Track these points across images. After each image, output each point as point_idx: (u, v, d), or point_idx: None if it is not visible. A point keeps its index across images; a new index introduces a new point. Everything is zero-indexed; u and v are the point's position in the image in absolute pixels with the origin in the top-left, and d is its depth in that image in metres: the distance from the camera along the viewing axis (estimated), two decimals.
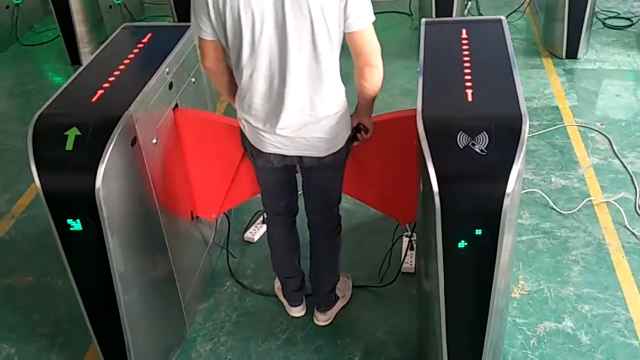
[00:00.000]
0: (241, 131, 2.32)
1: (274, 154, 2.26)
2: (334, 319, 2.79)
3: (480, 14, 5.65)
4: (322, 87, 2.11)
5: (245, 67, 2.09)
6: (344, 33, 2.06)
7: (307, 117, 2.15)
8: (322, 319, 2.77)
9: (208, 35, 2.12)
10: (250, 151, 2.32)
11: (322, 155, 2.25)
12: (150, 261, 2.45)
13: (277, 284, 2.89)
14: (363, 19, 2.03)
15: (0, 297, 3.08)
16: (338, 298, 2.81)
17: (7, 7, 5.84)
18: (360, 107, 2.31)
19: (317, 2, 1.95)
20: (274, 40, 2.01)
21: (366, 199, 2.84)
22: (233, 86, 2.27)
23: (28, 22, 6.11)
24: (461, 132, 1.91)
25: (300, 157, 2.27)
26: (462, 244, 1.97)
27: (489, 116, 1.97)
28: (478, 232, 1.94)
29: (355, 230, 3.29)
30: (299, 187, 2.57)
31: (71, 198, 2.09)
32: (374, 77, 2.15)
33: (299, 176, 2.53)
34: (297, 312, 2.81)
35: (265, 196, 2.57)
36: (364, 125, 2.37)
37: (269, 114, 2.16)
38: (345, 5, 1.99)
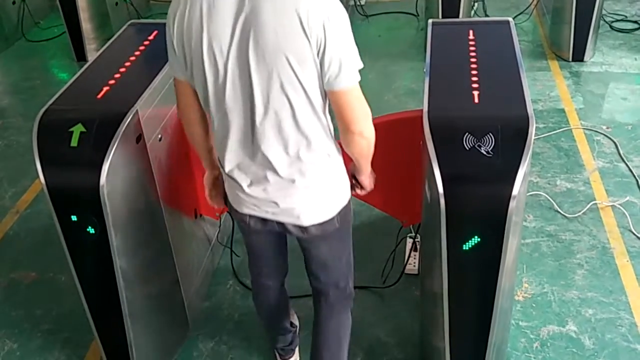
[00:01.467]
0: (213, 188, 2.09)
1: (250, 216, 1.93)
2: None
3: (487, 15, 5.64)
4: (300, 147, 1.76)
5: (214, 117, 1.80)
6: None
7: (279, 180, 1.81)
8: None
9: (178, 74, 1.83)
10: (230, 206, 2.01)
11: (304, 224, 1.89)
12: (153, 258, 2.44)
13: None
14: (344, 78, 1.67)
15: (3, 292, 3.08)
16: None
17: (14, 2, 5.84)
18: (353, 164, 1.97)
19: (283, 59, 1.62)
20: (239, 91, 1.71)
21: (370, 199, 2.83)
22: (208, 142, 1.98)
23: (34, 18, 6.11)
24: (467, 133, 1.90)
25: (280, 222, 1.92)
26: (466, 246, 1.96)
27: (495, 118, 1.97)
28: (483, 234, 1.93)
29: (359, 230, 3.28)
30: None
31: (75, 194, 2.09)
32: (357, 144, 1.80)
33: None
34: None
35: (249, 257, 2.22)
36: (359, 181, 2.05)
37: (241, 170, 1.84)
38: (322, 58, 1.64)
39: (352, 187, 2.04)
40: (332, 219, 1.91)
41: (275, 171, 1.80)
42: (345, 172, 1.93)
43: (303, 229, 1.91)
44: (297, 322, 2.60)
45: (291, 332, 2.48)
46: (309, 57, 1.63)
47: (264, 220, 1.94)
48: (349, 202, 1.97)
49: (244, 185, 1.86)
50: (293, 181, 1.81)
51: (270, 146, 1.76)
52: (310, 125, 1.75)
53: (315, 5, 1.60)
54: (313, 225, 1.90)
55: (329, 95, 1.73)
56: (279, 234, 2.04)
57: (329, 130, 1.82)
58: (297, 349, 2.57)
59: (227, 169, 1.87)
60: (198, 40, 1.67)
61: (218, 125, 1.81)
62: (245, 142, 1.79)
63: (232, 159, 1.84)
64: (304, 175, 1.81)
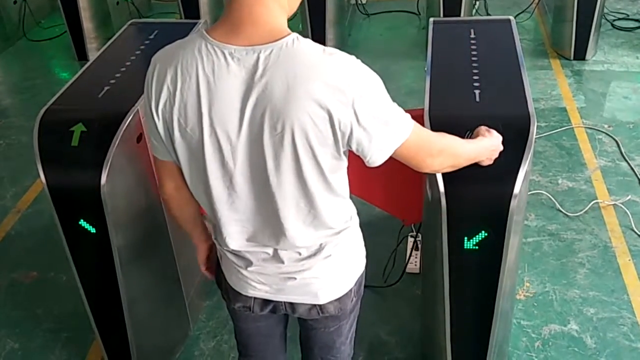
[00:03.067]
0: (217, 262, 1.78)
1: (255, 298, 1.68)
2: None
3: (488, 14, 5.64)
4: (319, 224, 1.55)
5: (215, 209, 1.54)
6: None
7: (296, 256, 1.59)
8: None
9: (162, 156, 1.56)
10: (225, 289, 1.74)
11: (322, 301, 1.65)
12: (154, 258, 2.44)
13: None
14: (383, 152, 1.44)
15: (5, 292, 3.09)
16: None
17: (15, 2, 5.85)
18: None
19: (305, 142, 1.38)
20: (253, 180, 1.47)
21: (371, 198, 2.83)
22: (200, 217, 1.76)
23: (35, 18, 6.12)
24: (468, 132, 1.89)
25: (291, 303, 1.68)
26: (468, 245, 1.96)
27: (496, 117, 1.96)
28: (484, 233, 1.93)
29: (360, 229, 3.28)
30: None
31: (76, 194, 2.09)
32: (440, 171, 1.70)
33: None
34: None
35: (240, 347, 1.96)
36: None
37: (249, 253, 1.61)
38: (350, 140, 1.39)
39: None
40: (350, 292, 1.69)
41: (291, 251, 1.58)
42: (361, 238, 1.75)
43: (319, 308, 1.67)
44: None
45: None
46: (331, 142, 1.39)
47: (269, 303, 1.69)
48: (364, 271, 1.76)
49: (252, 262, 1.62)
50: (311, 255, 1.60)
51: (285, 230, 1.52)
52: (326, 205, 1.52)
53: (342, 85, 1.33)
54: (331, 302, 1.67)
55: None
56: (284, 320, 1.85)
57: (347, 198, 1.61)
58: None
59: (231, 251, 1.63)
60: (196, 127, 1.40)
61: (218, 214, 1.54)
62: (256, 228, 1.56)
63: (238, 244, 1.59)
64: (322, 248, 1.60)
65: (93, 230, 2.13)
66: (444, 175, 1.87)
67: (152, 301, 2.46)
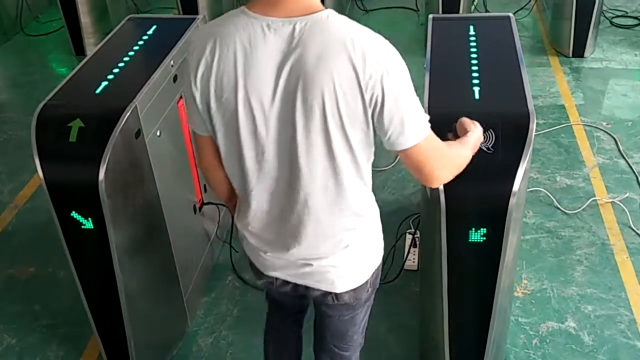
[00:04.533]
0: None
1: (276, 278, 1.75)
2: None
3: (487, 11, 5.63)
4: (341, 208, 1.58)
5: (245, 180, 1.58)
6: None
7: (315, 240, 1.62)
8: None
9: (200, 130, 1.61)
10: (251, 264, 1.82)
11: (338, 290, 1.70)
12: (153, 254, 2.44)
13: None
14: (408, 137, 1.46)
15: (2, 288, 3.08)
16: None
17: None
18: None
19: (335, 113, 1.41)
20: (281, 151, 1.50)
21: None
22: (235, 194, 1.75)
23: (33, 12, 6.09)
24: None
25: (308, 287, 1.72)
26: (466, 242, 1.95)
27: (496, 114, 1.96)
28: (483, 230, 1.93)
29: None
30: None
31: (74, 190, 2.09)
32: (433, 187, 1.65)
33: None
34: None
35: (268, 301, 2.10)
36: None
37: (272, 235, 1.66)
38: (380, 116, 1.43)
39: None
40: (366, 283, 1.73)
41: (312, 234, 1.60)
42: (381, 232, 1.77)
43: (334, 296, 1.71)
44: None
45: None
46: (360, 116, 1.43)
47: (289, 283, 1.74)
48: (381, 263, 1.79)
49: (272, 246, 1.67)
50: (330, 242, 1.62)
51: (309, 208, 1.55)
52: (353, 187, 1.56)
53: (372, 59, 1.37)
54: (346, 292, 1.71)
55: (400, 156, 1.53)
56: (301, 299, 1.91)
57: (370, 190, 1.66)
58: None
59: (252, 231, 1.68)
60: (231, 96, 1.45)
61: (247, 186, 1.59)
62: (280, 204, 1.59)
63: (260, 220, 1.65)
64: (343, 236, 1.62)
65: (91, 226, 2.12)
66: None
67: (150, 297, 2.46)
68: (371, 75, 1.37)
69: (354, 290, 1.71)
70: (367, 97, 1.39)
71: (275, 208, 1.61)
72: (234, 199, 1.76)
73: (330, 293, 1.70)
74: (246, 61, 1.42)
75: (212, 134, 1.57)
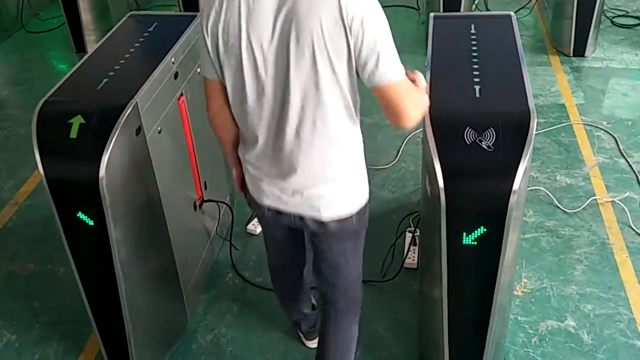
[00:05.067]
0: (243, 180, 2.05)
1: (268, 209, 1.94)
2: None
3: (488, 10, 5.62)
4: (330, 143, 1.79)
5: (247, 116, 1.80)
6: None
7: (305, 172, 1.82)
8: None
9: (211, 75, 1.82)
10: (250, 200, 2.02)
11: (323, 219, 1.88)
12: (153, 251, 2.44)
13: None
14: (384, 73, 1.66)
15: (2, 284, 3.08)
16: None
17: None
18: None
19: (323, 49, 1.63)
20: (277, 88, 1.72)
21: None
22: (237, 143, 1.98)
23: (33, 9, 6.09)
24: (468, 128, 1.89)
25: (302, 217, 1.91)
26: (466, 241, 1.96)
27: (496, 113, 1.96)
28: (483, 229, 1.93)
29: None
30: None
31: (74, 186, 2.09)
32: (406, 127, 1.78)
33: None
34: (314, 344, 2.51)
35: (267, 250, 2.27)
36: None
37: (269, 165, 1.87)
38: (360, 53, 1.64)
39: None
40: (351, 217, 1.91)
41: (302, 164, 1.81)
42: (366, 173, 1.94)
43: (322, 223, 1.90)
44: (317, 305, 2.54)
45: (313, 315, 2.51)
46: (345, 52, 1.64)
47: (282, 214, 1.93)
48: (367, 205, 1.96)
49: (269, 176, 1.88)
50: (319, 173, 1.83)
51: (302, 142, 1.77)
52: (341, 122, 1.76)
53: (356, 5, 1.61)
54: (332, 221, 1.89)
55: (373, 93, 1.71)
56: (296, 229, 2.03)
57: (358, 127, 1.85)
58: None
59: (252, 162, 1.90)
60: (236, 41, 1.68)
61: (249, 121, 1.81)
62: (276, 137, 1.80)
63: (259, 153, 1.86)
64: (330, 169, 1.83)
65: (91, 223, 2.13)
66: (444, 170, 1.87)
67: (150, 294, 2.46)
68: (353, 17, 1.60)
69: (339, 221, 1.90)
70: (350, 37, 1.62)
71: (272, 141, 1.82)
72: (235, 149, 1.99)
73: (317, 221, 1.89)
74: (249, 11, 1.65)
75: (221, 78, 1.80)
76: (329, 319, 2.19)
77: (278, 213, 1.94)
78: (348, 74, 1.68)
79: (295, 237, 2.15)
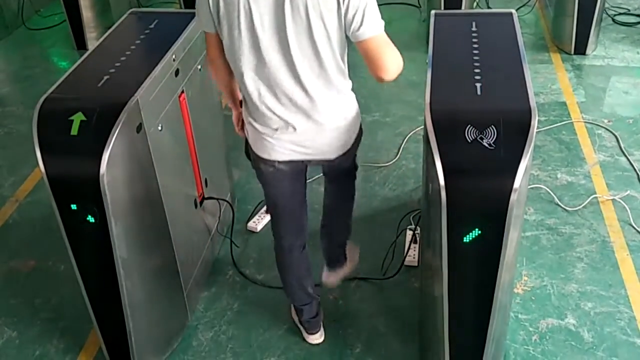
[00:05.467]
0: (245, 141, 2.23)
1: (278, 161, 2.15)
2: (338, 300, 2.79)
3: (489, 7, 5.62)
4: (329, 93, 2.03)
5: (249, 74, 1.99)
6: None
7: (314, 124, 2.07)
8: (331, 280, 2.76)
9: (209, 28, 2.03)
10: (254, 158, 2.21)
11: (331, 157, 2.19)
12: (153, 248, 2.44)
13: (294, 310, 2.70)
14: (368, 28, 1.90)
15: (3, 281, 3.08)
16: (346, 259, 2.76)
17: None
18: None
19: (316, 7, 1.85)
20: (275, 41, 1.91)
21: None
22: (233, 84, 2.20)
23: (34, 6, 6.08)
24: (469, 125, 1.89)
25: (310, 161, 2.20)
26: (467, 239, 1.95)
27: (498, 110, 1.96)
28: (484, 227, 1.93)
29: (359, 222, 3.27)
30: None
31: (75, 183, 2.09)
32: (385, 80, 1.98)
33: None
34: (316, 339, 2.63)
35: (274, 217, 2.41)
36: None
37: (276, 120, 2.06)
38: (347, 9, 1.87)
39: None
40: (351, 148, 2.22)
41: (306, 114, 2.04)
42: (359, 114, 2.21)
43: (330, 161, 2.21)
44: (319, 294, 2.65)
45: (315, 301, 2.58)
46: (334, 11, 1.87)
47: (291, 163, 2.17)
48: (361, 134, 2.26)
49: (276, 129, 2.08)
50: (327, 126, 2.08)
51: (303, 93, 2.00)
52: (335, 72, 2.00)
53: None
54: (337, 157, 2.20)
55: (357, 47, 1.94)
56: (301, 175, 2.29)
57: (349, 80, 2.10)
58: (322, 327, 2.63)
59: (257, 119, 2.09)
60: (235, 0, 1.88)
61: (252, 82, 2.00)
62: (278, 91, 2.00)
63: (264, 109, 2.05)
64: (335, 120, 2.08)
65: (92, 220, 2.13)
66: (445, 168, 1.87)
67: (151, 291, 2.46)
68: None
69: (343, 154, 2.20)
70: None
71: (275, 95, 2.01)
72: (233, 90, 2.21)
73: (326, 160, 2.20)
74: None
75: (219, 31, 1.99)
76: (332, 183, 2.53)
77: (287, 163, 2.16)
78: (338, 29, 1.91)
79: (298, 191, 2.34)
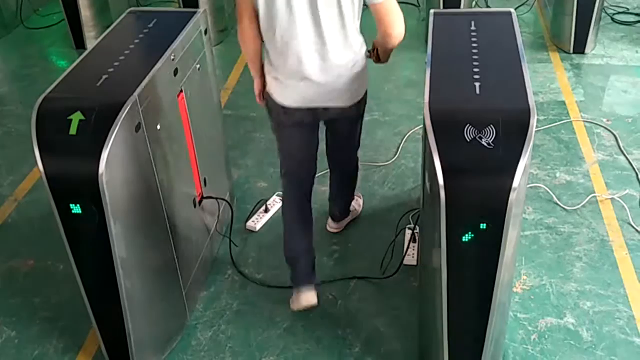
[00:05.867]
0: (267, 95, 2.52)
1: (297, 109, 2.46)
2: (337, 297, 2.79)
3: (487, 6, 5.62)
4: (347, 45, 2.36)
5: (279, 32, 2.30)
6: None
7: (335, 70, 2.39)
8: (334, 226, 3.17)
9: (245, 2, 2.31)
10: (277, 112, 2.51)
11: (347, 104, 2.48)
12: (152, 247, 2.44)
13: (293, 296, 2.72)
14: None
15: (1, 280, 3.08)
16: (350, 212, 3.18)
17: None
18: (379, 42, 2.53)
19: None
20: (307, 8, 2.24)
21: None
22: (260, 52, 2.48)
23: (33, 5, 6.07)
24: (468, 125, 1.89)
25: (326, 108, 2.48)
26: (466, 238, 1.96)
27: (496, 109, 1.96)
28: (483, 226, 1.93)
29: (358, 221, 3.28)
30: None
31: (74, 183, 2.09)
32: (392, 43, 2.42)
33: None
34: (308, 299, 2.66)
35: (286, 161, 2.67)
36: (380, 54, 2.60)
37: (300, 72, 2.37)
38: None
39: (371, 57, 2.61)
40: (361, 99, 2.54)
41: (324, 65, 2.36)
42: (366, 61, 2.51)
43: (342, 109, 2.50)
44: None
45: (311, 256, 2.74)
46: None
47: (310, 110, 2.47)
48: (367, 91, 2.58)
49: (300, 81, 2.39)
50: (344, 71, 2.40)
51: (327, 46, 2.32)
52: (354, 32, 2.37)
53: None
54: (349, 106, 2.50)
55: (370, 8, 2.32)
56: (315, 128, 2.61)
57: (362, 38, 2.45)
58: (315, 291, 2.70)
59: (286, 71, 2.39)
60: None
61: (281, 37, 2.31)
62: (305, 48, 2.31)
63: (291, 63, 2.35)
64: (347, 69, 2.40)
65: (91, 220, 2.12)
66: (443, 167, 1.87)
67: (150, 291, 2.46)
68: None
69: (355, 104, 2.52)
70: None
71: (302, 50, 2.32)
72: (257, 60, 2.50)
73: (340, 108, 2.49)
74: None
75: (254, 2, 2.28)
76: (336, 165, 2.94)
77: (307, 110, 2.47)
78: (358, 3, 2.31)
79: (311, 141, 2.64)
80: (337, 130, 2.72)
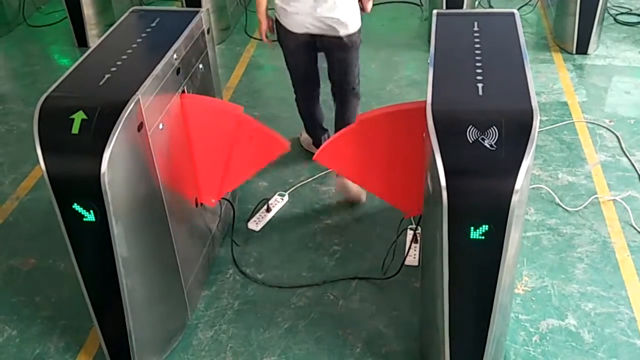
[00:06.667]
0: (277, 22, 3.18)
1: (301, 34, 3.12)
2: None
3: (490, 7, 5.61)
4: None
5: None
6: None
7: (332, 7, 3.00)
8: (342, 181, 3.36)
9: None
10: (285, 36, 3.17)
11: (340, 34, 3.09)
12: (154, 247, 2.44)
13: (303, 135, 3.75)
14: None
15: (3, 279, 3.08)
16: None
17: None
18: None
19: None
20: None
21: (373, 188, 2.82)
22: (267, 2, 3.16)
23: (35, 3, 6.08)
24: (471, 126, 1.89)
25: (323, 35, 3.10)
26: (468, 239, 1.95)
27: (499, 111, 1.95)
28: (485, 227, 1.92)
29: (360, 222, 3.28)
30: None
31: (76, 182, 2.08)
32: None
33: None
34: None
35: (294, 76, 3.41)
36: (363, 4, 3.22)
37: (305, 5, 3.02)
38: None
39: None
40: (355, 32, 3.14)
41: (332, 2, 3.01)
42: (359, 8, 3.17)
43: (338, 38, 3.11)
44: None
45: (327, 133, 3.62)
46: None
47: (311, 36, 3.13)
48: (362, 26, 3.18)
49: (304, 11, 3.05)
50: (338, 5, 3.02)
51: None
52: None
53: None
54: (345, 36, 3.11)
55: None
56: (315, 50, 3.26)
57: None
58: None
59: (292, 3, 3.04)
60: None
61: None
62: None
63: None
64: (345, 3, 3.01)
65: (92, 219, 2.12)
66: (446, 169, 1.87)
67: (151, 290, 2.46)
68: None
69: (349, 36, 3.12)
70: None
71: None
72: (265, 5, 3.18)
73: (336, 37, 3.11)
74: None
75: None
76: (341, 103, 3.45)
77: (309, 36, 3.13)
78: None
79: (313, 60, 3.33)
80: (334, 60, 3.28)
